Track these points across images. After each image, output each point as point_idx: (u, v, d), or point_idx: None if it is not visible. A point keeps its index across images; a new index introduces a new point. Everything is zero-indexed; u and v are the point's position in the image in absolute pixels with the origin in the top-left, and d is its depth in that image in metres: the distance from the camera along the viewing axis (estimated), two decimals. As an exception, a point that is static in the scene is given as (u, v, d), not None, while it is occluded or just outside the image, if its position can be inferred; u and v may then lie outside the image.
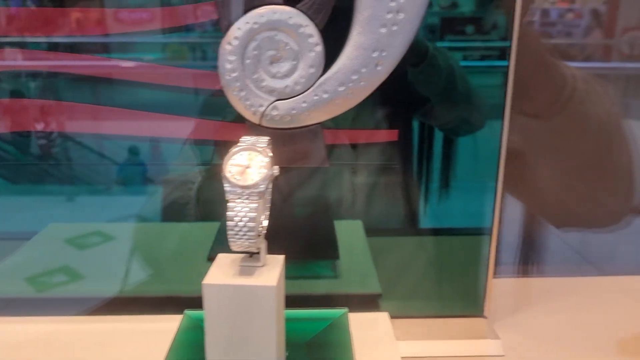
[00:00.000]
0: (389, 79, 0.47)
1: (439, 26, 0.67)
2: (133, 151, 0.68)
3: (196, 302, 0.46)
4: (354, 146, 0.64)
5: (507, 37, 0.54)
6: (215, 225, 0.63)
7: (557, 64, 0.58)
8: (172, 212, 0.68)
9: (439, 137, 0.66)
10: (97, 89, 0.60)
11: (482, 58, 0.64)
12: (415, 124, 0.65)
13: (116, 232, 0.71)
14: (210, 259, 0.59)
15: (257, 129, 0.45)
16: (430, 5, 0.70)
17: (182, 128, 0.59)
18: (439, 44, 0.60)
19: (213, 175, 0.67)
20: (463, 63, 0.63)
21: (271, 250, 0.59)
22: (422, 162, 0.67)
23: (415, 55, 0.56)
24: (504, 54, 0.58)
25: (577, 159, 0.62)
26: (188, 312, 0.45)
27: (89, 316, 0.53)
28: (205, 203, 0.67)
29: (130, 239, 0.68)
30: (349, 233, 0.64)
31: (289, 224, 0.61)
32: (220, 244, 0.60)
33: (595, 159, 0.62)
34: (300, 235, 0.60)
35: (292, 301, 0.54)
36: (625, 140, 0.63)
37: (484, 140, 0.58)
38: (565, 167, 0.63)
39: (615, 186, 0.65)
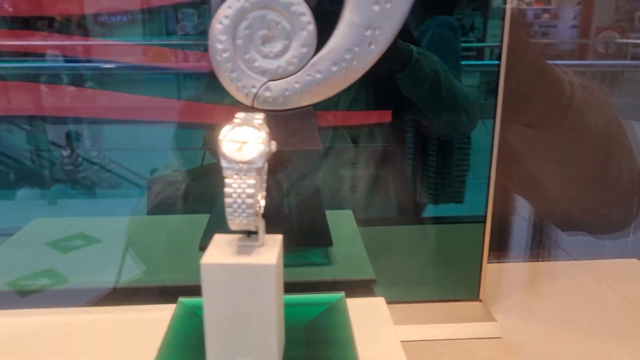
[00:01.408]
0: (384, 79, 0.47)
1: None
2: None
3: (189, 291, 0.45)
4: (355, 143, 0.64)
5: (483, 38, 0.55)
6: (204, 217, 0.62)
7: (555, 71, 0.56)
8: (160, 211, 0.68)
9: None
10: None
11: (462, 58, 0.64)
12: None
13: (104, 227, 0.70)
14: (202, 248, 0.58)
15: (249, 111, 0.44)
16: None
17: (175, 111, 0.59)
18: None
19: (200, 175, 0.66)
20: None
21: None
22: (420, 152, 0.67)
23: (399, 60, 0.55)
24: (481, 54, 0.59)
25: (577, 169, 0.61)
26: (182, 299, 0.44)
27: (83, 307, 0.52)
28: (192, 202, 0.67)
29: (121, 233, 0.67)
30: (340, 222, 0.64)
31: (281, 212, 0.60)
32: (212, 233, 0.60)
33: (594, 170, 0.60)
34: (293, 223, 0.59)
35: (286, 288, 0.53)
36: (627, 151, 0.61)
37: (481, 136, 0.58)
38: (565, 178, 0.62)
39: (618, 197, 0.64)
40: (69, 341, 0.46)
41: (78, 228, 0.68)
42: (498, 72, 0.51)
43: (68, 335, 0.47)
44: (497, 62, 0.51)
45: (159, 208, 0.68)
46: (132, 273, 0.61)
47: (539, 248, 0.71)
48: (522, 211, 0.71)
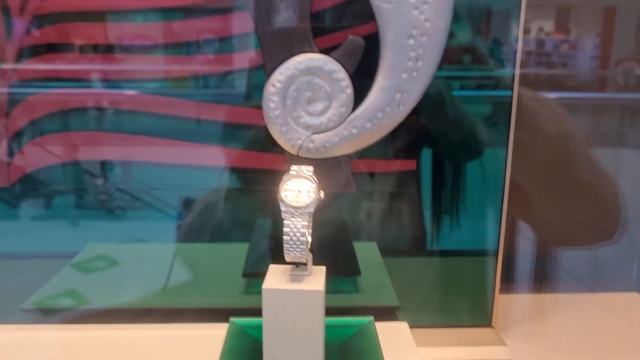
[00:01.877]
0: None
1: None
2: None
3: (233, 313, 0.53)
4: (371, 174, 0.70)
5: (506, 65, 0.61)
6: (243, 246, 0.70)
7: None
8: (197, 234, 0.75)
9: (449, 166, 0.72)
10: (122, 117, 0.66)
11: (478, 87, 0.67)
12: (426, 154, 0.72)
13: (149, 252, 0.77)
14: (245, 275, 0.65)
15: (295, 159, 0.52)
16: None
17: (219, 156, 0.66)
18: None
19: (233, 198, 0.72)
20: (459, 93, 0.69)
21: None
22: (433, 190, 0.74)
23: None
24: (497, 83, 0.64)
25: (541, 173, 0.68)
26: (233, 319, 0.51)
27: (136, 324, 0.59)
28: (228, 225, 0.74)
29: (164, 258, 0.74)
30: (366, 253, 0.71)
31: (314, 244, 0.67)
32: (252, 261, 0.67)
33: (555, 173, 0.68)
34: (324, 253, 0.66)
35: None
36: (584, 157, 0.68)
37: (490, 168, 0.65)
38: (536, 184, 0.69)
39: (590, 203, 0.70)
40: (126, 355, 0.53)
41: (126, 252, 0.76)
42: (510, 102, 0.57)
43: (125, 349, 0.54)
44: (509, 92, 0.58)
45: (195, 235, 0.75)
46: (177, 295, 0.68)
47: (549, 280, 0.77)
48: (534, 244, 0.77)
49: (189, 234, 0.75)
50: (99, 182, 0.75)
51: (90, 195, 0.73)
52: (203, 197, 0.74)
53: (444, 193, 0.74)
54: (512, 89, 0.57)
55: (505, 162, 0.58)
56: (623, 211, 0.70)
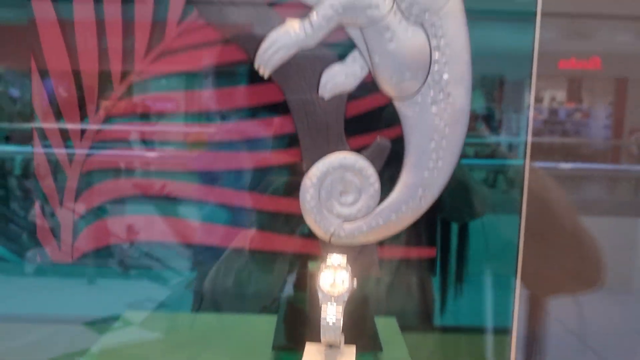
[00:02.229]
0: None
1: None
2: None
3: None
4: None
5: (518, 134, 0.66)
6: (269, 317, 0.74)
7: None
8: (221, 304, 0.79)
9: (454, 240, 0.77)
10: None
11: (490, 155, 0.70)
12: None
13: (182, 321, 0.81)
14: (275, 347, 0.70)
15: (327, 246, 0.57)
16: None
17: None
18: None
19: (256, 273, 0.77)
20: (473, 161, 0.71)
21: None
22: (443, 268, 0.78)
23: None
24: (495, 151, 0.69)
25: (527, 227, 0.72)
26: (266, 392, 0.56)
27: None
28: (248, 293, 0.78)
29: (194, 329, 0.78)
30: (386, 328, 0.75)
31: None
32: (281, 334, 0.71)
33: (540, 227, 0.71)
34: (348, 329, 0.71)
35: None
36: (570, 215, 0.72)
37: (499, 242, 0.69)
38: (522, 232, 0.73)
39: (571, 253, 0.75)
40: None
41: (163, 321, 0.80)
42: (523, 170, 0.62)
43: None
44: (521, 161, 0.63)
45: (220, 304, 0.79)
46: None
47: (567, 356, 0.80)
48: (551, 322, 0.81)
49: (215, 303, 0.80)
50: (125, 246, 0.79)
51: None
52: (227, 270, 0.79)
53: (457, 270, 0.78)
54: (524, 157, 0.62)
55: (519, 233, 0.62)
56: (603, 262, 0.73)
